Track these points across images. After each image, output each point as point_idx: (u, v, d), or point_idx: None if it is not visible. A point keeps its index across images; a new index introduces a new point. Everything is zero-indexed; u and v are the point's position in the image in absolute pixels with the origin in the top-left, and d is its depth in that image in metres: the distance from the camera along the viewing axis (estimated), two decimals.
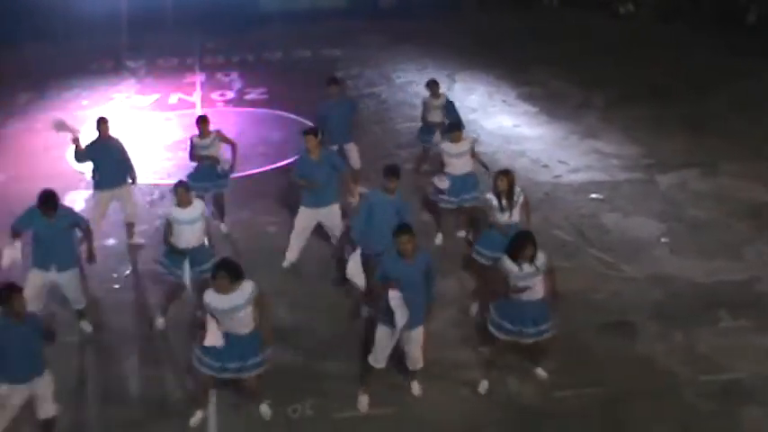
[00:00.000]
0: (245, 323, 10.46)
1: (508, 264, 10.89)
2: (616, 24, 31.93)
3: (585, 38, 29.52)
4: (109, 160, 15.23)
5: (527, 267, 10.86)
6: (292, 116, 22.68)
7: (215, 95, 24.98)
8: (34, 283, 12.38)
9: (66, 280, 12.60)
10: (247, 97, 24.75)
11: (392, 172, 12.84)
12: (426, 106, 17.96)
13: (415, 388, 11.65)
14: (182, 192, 12.90)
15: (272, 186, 17.68)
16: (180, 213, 12.84)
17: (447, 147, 15.12)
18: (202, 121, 15.70)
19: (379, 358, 11.21)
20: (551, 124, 21.71)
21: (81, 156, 15.23)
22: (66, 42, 29.50)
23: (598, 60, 26.82)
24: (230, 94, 25.12)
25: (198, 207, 12.96)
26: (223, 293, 10.26)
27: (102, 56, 28.65)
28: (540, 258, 10.92)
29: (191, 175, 15.55)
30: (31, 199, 16.65)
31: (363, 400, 11.41)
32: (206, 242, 13.58)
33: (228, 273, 10.23)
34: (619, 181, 18.15)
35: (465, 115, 19.37)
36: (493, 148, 19.72)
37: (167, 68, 28.12)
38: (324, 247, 15.00)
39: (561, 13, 34.10)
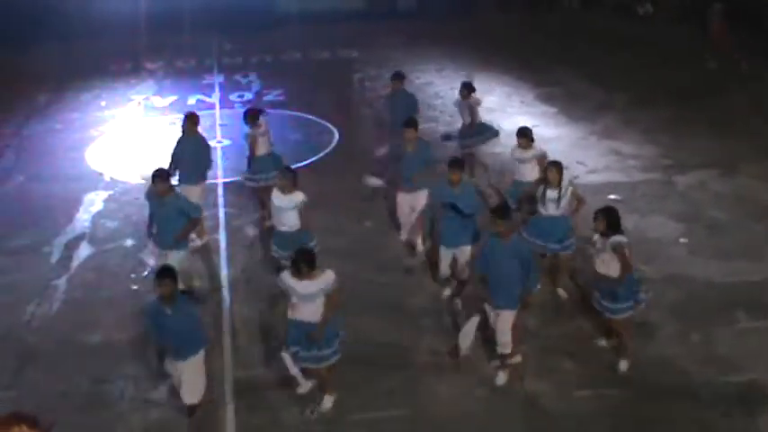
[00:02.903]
0: (318, 311, 10.77)
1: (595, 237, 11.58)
2: (635, 25, 31.83)
3: (604, 39, 29.44)
4: (184, 157, 15.45)
5: (599, 242, 11.40)
6: (310, 117, 22.72)
7: (233, 97, 25.04)
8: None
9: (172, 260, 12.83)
10: (266, 98, 24.77)
11: (455, 164, 13.47)
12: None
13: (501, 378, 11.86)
14: (282, 177, 13.32)
15: None
16: (280, 199, 13.15)
17: (517, 152, 15.23)
18: (252, 113, 16.04)
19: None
20: (570, 125, 21.69)
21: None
22: (85, 44, 29.60)
23: (616, 61, 26.75)
24: (248, 96, 25.17)
25: (299, 196, 13.19)
26: (303, 279, 10.67)
27: (121, 57, 28.76)
28: (613, 240, 11.27)
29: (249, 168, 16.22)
30: (51, 199, 16.90)
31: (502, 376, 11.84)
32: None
33: (305, 259, 10.69)
34: (637, 182, 18.12)
35: (483, 116, 19.33)
36: (511, 148, 19.66)
37: (186, 70, 28.22)
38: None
39: (580, 15, 34.04)
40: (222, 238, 16.13)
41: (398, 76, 18.18)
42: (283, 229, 13.35)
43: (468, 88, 17.67)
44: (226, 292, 14.27)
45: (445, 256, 13.60)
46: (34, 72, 26.61)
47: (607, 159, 19.36)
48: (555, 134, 20.89)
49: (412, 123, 15.20)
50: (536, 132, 20.31)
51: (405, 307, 13.74)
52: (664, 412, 11.09)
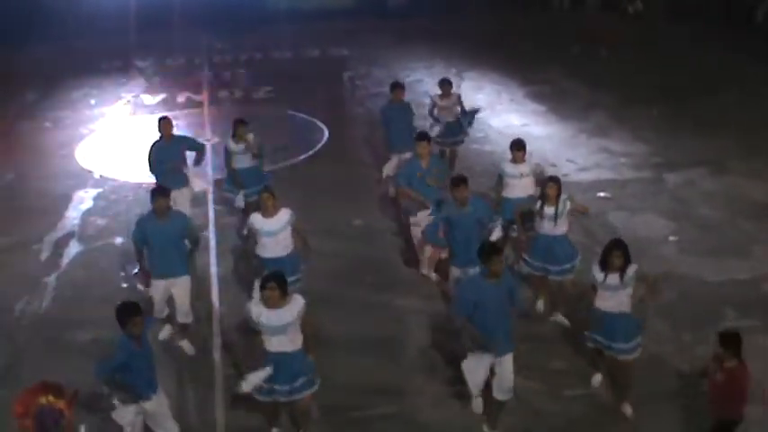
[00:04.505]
0: (293, 339, 10.04)
1: (594, 271, 10.80)
2: (625, 23, 31.86)
3: (593, 37, 29.46)
4: (171, 161, 14.97)
5: (612, 278, 10.68)
6: (300, 115, 22.71)
7: (222, 94, 25.01)
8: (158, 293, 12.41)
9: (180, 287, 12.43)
10: (255, 96, 24.77)
11: (461, 181, 12.55)
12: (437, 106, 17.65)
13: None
14: (267, 198, 12.21)
15: (280, 184, 17.49)
16: (263, 223, 12.21)
17: (506, 167, 14.16)
18: (240, 123, 15.32)
19: (475, 389, 10.94)
20: (560, 123, 21.70)
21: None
22: (74, 42, 29.56)
23: (606, 59, 26.79)
24: (238, 93, 25.14)
25: (283, 217, 12.26)
26: (273, 308, 9.87)
27: (110, 55, 28.71)
28: (630, 272, 10.69)
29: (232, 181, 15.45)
30: (41, 197, 16.82)
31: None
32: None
33: (279, 285, 9.86)
34: (627, 180, 18.15)
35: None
36: (501, 147, 19.64)
37: (175, 68, 28.18)
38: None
39: (570, 13, 34.07)
40: (212, 235, 16.10)
41: (400, 87, 17.26)
42: (268, 255, 12.24)
43: (450, 84, 17.64)
44: (215, 290, 14.25)
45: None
46: (24, 70, 26.60)
47: (597, 157, 19.38)
48: (545, 132, 20.92)
49: (425, 136, 14.44)
50: (526, 131, 20.56)
51: (393, 306, 13.75)
52: (654, 411, 11.11)
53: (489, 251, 10.36)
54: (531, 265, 12.92)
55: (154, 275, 12.36)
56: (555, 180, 12.68)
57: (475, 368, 10.71)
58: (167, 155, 15.01)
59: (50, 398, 8.18)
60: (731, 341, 9.71)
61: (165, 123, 15.13)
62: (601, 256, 10.83)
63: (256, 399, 10.29)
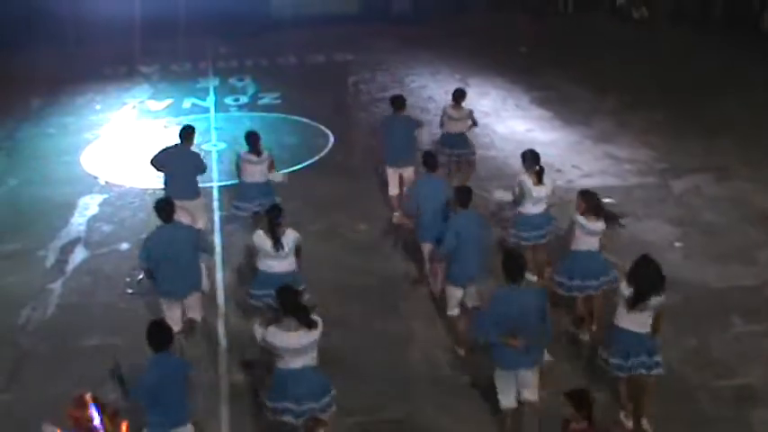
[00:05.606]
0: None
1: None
2: (630, 29, 31.85)
3: (599, 42, 29.46)
4: (182, 170, 14.75)
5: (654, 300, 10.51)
6: (306, 120, 22.70)
7: (228, 100, 25.01)
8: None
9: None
10: (261, 102, 24.77)
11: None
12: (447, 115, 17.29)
13: None
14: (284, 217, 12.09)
15: (286, 190, 17.47)
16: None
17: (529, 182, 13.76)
18: (253, 137, 15.20)
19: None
20: (565, 129, 21.68)
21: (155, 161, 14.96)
22: (79, 47, 29.59)
23: (612, 65, 26.76)
24: (244, 99, 25.14)
25: (292, 234, 12.09)
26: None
27: (115, 61, 28.71)
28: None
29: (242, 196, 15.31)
30: (46, 203, 16.82)
31: None
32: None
33: None
34: (632, 185, 18.13)
35: (478, 120, 19.32)
36: (506, 153, 19.70)
37: (181, 73, 28.17)
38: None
39: (575, 18, 34.05)
40: (217, 240, 16.09)
41: (401, 101, 16.69)
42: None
43: (463, 95, 17.39)
44: (221, 295, 14.25)
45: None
46: (28, 75, 26.54)
47: (602, 163, 19.37)
48: (550, 138, 20.89)
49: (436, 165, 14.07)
50: (531, 137, 20.54)
51: (397, 310, 13.77)
52: (659, 416, 11.08)
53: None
54: (585, 287, 12.58)
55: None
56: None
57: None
58: (182, 162, 14.89)
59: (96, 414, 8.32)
60: (579, 400, 8.92)
61: (190, 132, 15.09)
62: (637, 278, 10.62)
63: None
